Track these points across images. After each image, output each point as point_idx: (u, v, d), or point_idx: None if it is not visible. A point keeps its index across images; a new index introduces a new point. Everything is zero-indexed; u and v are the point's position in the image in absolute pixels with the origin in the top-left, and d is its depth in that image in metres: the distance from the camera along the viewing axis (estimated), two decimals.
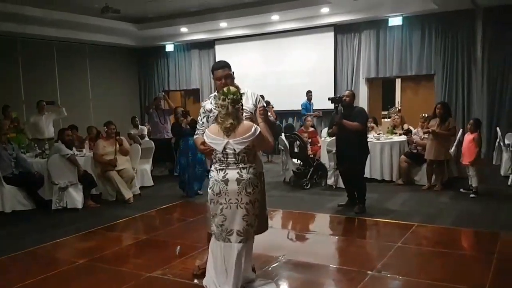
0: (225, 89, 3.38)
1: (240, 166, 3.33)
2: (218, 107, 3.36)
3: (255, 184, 3.36)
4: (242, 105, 3.49)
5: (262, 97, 4.05)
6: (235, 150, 3.30)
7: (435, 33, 10.31)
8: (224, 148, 3.33)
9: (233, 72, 3.71)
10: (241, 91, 3.66)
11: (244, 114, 3.56)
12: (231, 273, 3.36)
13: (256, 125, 3.36)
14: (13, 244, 5.07)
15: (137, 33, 12.72)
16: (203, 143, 3.47)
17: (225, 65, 3.66)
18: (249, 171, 3.34)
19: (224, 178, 3.33)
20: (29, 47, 11.60)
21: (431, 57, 10.42)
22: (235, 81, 3.73)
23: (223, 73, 3.61)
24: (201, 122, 3.69)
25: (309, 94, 10.92)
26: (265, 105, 3.78)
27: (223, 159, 3.37)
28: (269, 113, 3.84)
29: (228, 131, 3.31)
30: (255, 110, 3.64)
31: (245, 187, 3.30)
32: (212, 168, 3.45)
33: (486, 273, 3.81)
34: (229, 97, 3.31)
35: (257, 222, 3.48)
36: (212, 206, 3.42)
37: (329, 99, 6.13)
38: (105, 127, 7.38)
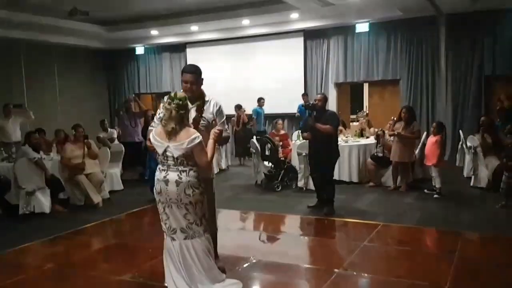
0: (172, 93, 3.43)
1: (180, 169, 3.38)
2: (164, 110, 3.40)
3: (195, 186, 3.40)
4: (201, 112, 3.61)
5: (261, 100, 3.94)
6: (173, 154, 3.36)
7: (401, 39, 10.63)
8: (165, 151, 3.39)
9: (202, 79, 3.75)
10: (206, 99, 3.73)
11: (201, 121, 3.64)
12: (183, 270, 3.44)
13: (198, 135, 3.36)
14: None
15: (106, 36, 12.56)
16: (150, 140, 3.53)
17: (194, 71, 3.71)
18: (189, 174, 3.39)
19: (165, 178, 3.40)
20: None
21: (396, 62, 10.73)
22: (204, 88, 3.79)
23: (190, 78, 3.66)
24: (158, 116, 3.69)
25: (304, 96, 10.96)
26: (223, 117, 3.81)
27: (164, 161, 3.44)
28: (225, 128, 3.86)
29: (170, 135, 3.36)
30: (213, 120, 3.71)
31: (183, 189, 3.36)
32: (157, 167, 3.51)
33: (447, 270, 3.98)
34: (174, 102, 3.34)
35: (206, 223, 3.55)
36: (158, 205, 3.50)
37: (304, 107, 6.42)
38: (73, 130, 7.30)
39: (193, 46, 13.02)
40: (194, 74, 3.69)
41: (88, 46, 13.28)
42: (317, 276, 4.01)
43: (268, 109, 11.44)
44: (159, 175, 3.45)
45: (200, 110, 3.67)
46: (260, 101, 11.26)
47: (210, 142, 3.46)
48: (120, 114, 9.81)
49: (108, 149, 8.08)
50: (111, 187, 7.95)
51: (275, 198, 7.25)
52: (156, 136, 3.44)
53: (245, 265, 4.23)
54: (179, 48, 13.33)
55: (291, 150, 8.44)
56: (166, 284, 3.58)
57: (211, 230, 3.79)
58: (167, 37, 12.81)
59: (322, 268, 4.14)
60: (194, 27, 11.79)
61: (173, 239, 3.47)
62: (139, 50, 13.80)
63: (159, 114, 3.69)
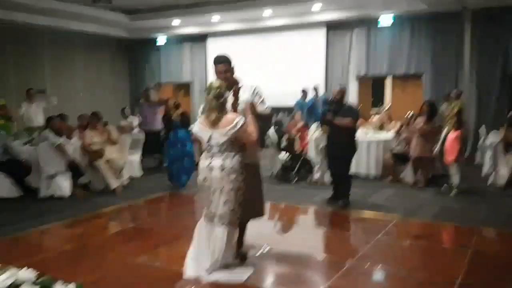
0: (209, 84, 3.58)
1: (225, 155, 3.50)
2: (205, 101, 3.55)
3: (239, 172, 3.51)
4: (238, 98, 3.72)
5: None
6: (218, 141, 3.46)
7: (425, 33, 10.46)
8: (209, 139, 3.52)
9: (233, 67, 3.86)
10: (240, 84, 3.83)
11: (239, 106, 3.72)
12: (209, 252, 3.58)
13: (239, 118, 3.49)
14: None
15: (128, 24, 12.70)
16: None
17: (225, 60, 3.83)
18: (233, 160, 3.50)
19: (209, 165, 3.54)
20: (19, 35, 11.53)
21: (420, 56, 10.56)
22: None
23: (223, 68, 3.79)
24: (201, 109, 3.81)
25: (315, 89, 10.97)
26: (260, 98, 3.88)
27: (209, 148, 3.57)
28: (265, 107, 3.94)
29: (213, 124, 3.50)
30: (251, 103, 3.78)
31: (227, 175, 3.49)
32: (202, 156, 3.67)
33: (461, 265, 3.94)
34: (213, 92, 3.49)
35: (248, 209, 3.69)
36: (201, 191, 3.68)
37: (324, 102, 6.38)
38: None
39: (214, 36, 13.03)
40: (225, 63, 3.82)
41: (111, 35, 13.44)
42: (328, 266, 4.03)
43: (287, 101, 11.40)
44: (203, 162, 3.60)
45: (236, 96, 3.77)
46: (303, 92, 11.12)
47: (249, 118, 3.58)
48: (140, 103, 9.92)
49: (128, 136, 8.20)
50: (131, 174, 8.08)
51: (291, 189, 7.26)
52: (200, 126, 3.60)
53: (257, 254, 4.26)
54: (200, 39, 13.36)
55: (308, 142, 8.42)
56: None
57: (258, 214, 3.99)
58: (189, 27, 12.87)
59: (334, 259, 4.15)
60: (215, 17, 11.80)
61: (211, 221, 3.59)
62: (161, 39, 13.89)
63: (202, 108, 3.78)
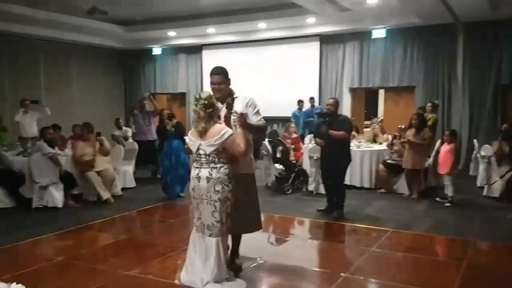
0: (196, 95, 3.62)
1: (211, 165, 3.54)
2: (193, 112, 3.60)
3: (225, 183, 3.53)
4: (231, 109, 3.74)
5: None
6: (206, 151, 3.50)
7: (417, 46, 10.56)
8: (198, 149, 3.56)
9: (229, 79, 3.89)
10: (234, 96, 3.87)
11: (232, 117, 3.75)
12: (201, 263, 3.59)
13: (227, 129, 3.51)
14: None
15: (124, 35, 12.73)
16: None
17: (221, 72, 3.86)
18: (220, 171, 3.53)
19: (197, 175, 3.58)
20: (14, 46, 11.52)
21: (412, 69, 10.66)
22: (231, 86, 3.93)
23: (218, 79, 3.82)
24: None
25: (311, 100, 11.09)
26: (255, 109, 3.87)
27: (197, 159, 3.62)
28: (258, 118, 3.91)
29: (201, 134, 3.54)
30: (245, 114, 3.78)
31: (213, 185, 3.51)
32: (192, 166, 3.70)
33: (455, 278, 3.95)
34: (200, 103, 3.51)
35: (242, 220, 3.72)
36: (192, 201, 3.70)
37: (317, 114, 6.69)
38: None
39: (209, 48, 13.10)
40: (221, 75, 3.85)
41: (106, 45, 13.47)
42: (322, 279, 4.01)
43: (282, 112, 11.44)
44: (193, 172, 3.64)
45: (229, 107, 3.80)
46: (299, 103, 11.17)
47: (238, 130, 3.59)
48: (134, 113, 9.91)
49: (122, 147, 8.18)
50: (124, 184, 8.06)
51: (285, 200, 7.25)
52: (190, 137, 3.66)
53: (251, 266, 4.24)
54: (196, 50, 13.42)
55: (302, 153, 8.44)
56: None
57: (254, 228, 3.98)
58: (184, 39, 12.93)
59: (328, 272, 4.14)
60: (211, 29, 11.88)
61: (203, 232, 3.62)
62: (156, 50, 13.95)
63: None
